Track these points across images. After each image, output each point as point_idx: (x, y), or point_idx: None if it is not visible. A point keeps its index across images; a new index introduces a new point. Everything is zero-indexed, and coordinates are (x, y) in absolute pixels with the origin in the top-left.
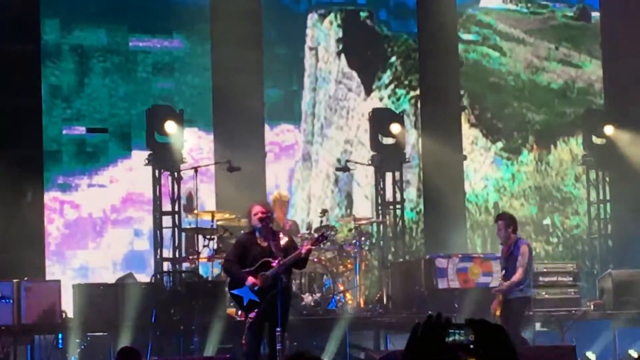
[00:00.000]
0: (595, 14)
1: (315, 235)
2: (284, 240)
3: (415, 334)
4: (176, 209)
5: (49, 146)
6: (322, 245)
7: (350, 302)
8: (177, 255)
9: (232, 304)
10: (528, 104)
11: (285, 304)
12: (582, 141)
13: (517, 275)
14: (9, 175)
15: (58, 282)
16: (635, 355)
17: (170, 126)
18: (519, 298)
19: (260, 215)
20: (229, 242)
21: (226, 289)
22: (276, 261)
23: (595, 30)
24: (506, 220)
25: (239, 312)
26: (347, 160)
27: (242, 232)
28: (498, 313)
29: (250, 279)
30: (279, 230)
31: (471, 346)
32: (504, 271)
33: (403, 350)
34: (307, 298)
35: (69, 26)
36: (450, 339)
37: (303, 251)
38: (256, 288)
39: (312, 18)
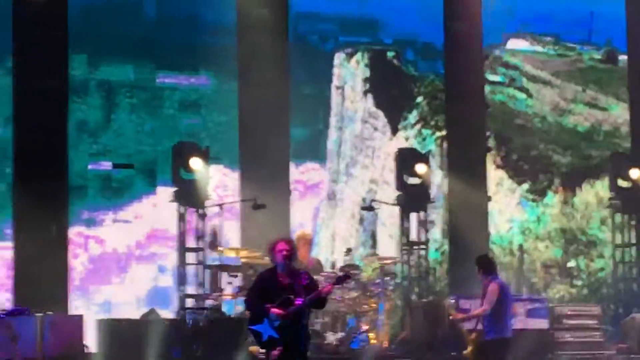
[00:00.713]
0: (623, 57)
1: (339, 274)
2: (306, 279)
3: None
4: (201, 245)
5: (74, 181)
6: (344, 285)
7: (373, 341)
8: (201, 292)
9: (252, 340)
10: (554, 146)
11: (306, 343)
12: (608, 184)
13: (478, 309)
14: (34, 209)
15: (81, 316)
16: None
17: (195, 163)
18: (494, 339)
19: (284, 252)
20: (253, 279)
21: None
22: (299, 299)
23: (622, 73)
24: (477, 265)
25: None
26: (372, 200)
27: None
28: (469, 350)
29: (275, 310)
30: (302, 270)
31: None
32: None
33: None
34: (330, 337)
35: (96, 62)
36: None
37: (324, 291)
38: (277, 323)
39: (339, 57)
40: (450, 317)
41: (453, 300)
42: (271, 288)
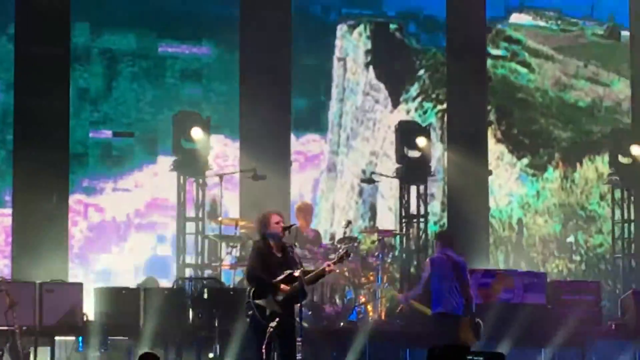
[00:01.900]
0: (625, 33)
1: (339, 252)
2: (292, 252)
3: (432, 357)
4: (200, 215)
5: (75, 149)
6: (343, 262)
7: (371, 314)
8: (199, 262)
9: (249, 312)
10: (555, 121)
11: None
12: (608, 160)
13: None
14: (35, 176)
15: (80, 284)
16: None
17: (196, 132)
18: (433, 315)
19: (282, 224)
20: (250, 250)
21: (248, 298)
22: (298, 272)
23: (624, 49)
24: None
25: None
26: (372, 172)
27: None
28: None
29: (284, 287)
30: (287, 243)
31: None
32: None
33: None
34: (329, 308)
35: (98, 30)
36: None
37: (327, 269)
38: (279, 298)
39: (341, 29)
40: (397, 300)
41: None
42: (268, 261)
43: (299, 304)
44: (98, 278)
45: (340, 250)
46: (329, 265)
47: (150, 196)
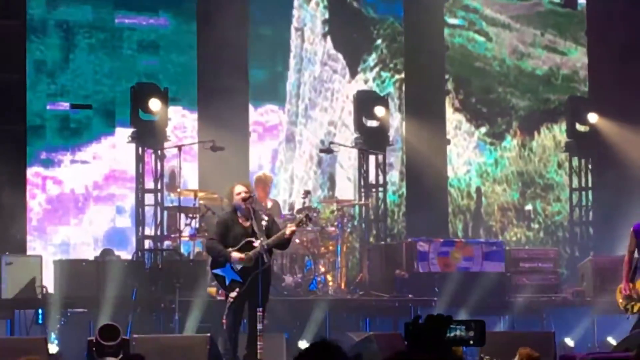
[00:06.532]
0: (582, 1)
1: (300, 216)
2: (265, 220)
3: (410, 331)
4: (159, 186)
5: (32, 121)
6: (304, 227)
7: (331, 283)
8: (158, 233)
9: (213, 283)
10: (512, 90)
11: (267, 284)
12: (565, 128)
13: None
14: None
15: (39, 257)
16: (613, 342)
17: (154, 104)
18: None
19: (243, 195)
20: (211, 221)
21: (208, 268)
22: (259, 241)
23: (581, 17)
24: None
25: (220, 292)
26: (331, 142)
27: (223, 211)
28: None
29: (236, 254)
30: (261, 210)
31: (471, 342)
32: None
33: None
34: (288, 279)
35: (55, 1)
36: (452, 334)
37: (287, 232)
38: (239, 266)
39: None
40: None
41: None
42: (232, 231)
43: (259, 274)
44: (57, 250)
45: (300, 215)
46: (289, 228)
47: (108, 168)
